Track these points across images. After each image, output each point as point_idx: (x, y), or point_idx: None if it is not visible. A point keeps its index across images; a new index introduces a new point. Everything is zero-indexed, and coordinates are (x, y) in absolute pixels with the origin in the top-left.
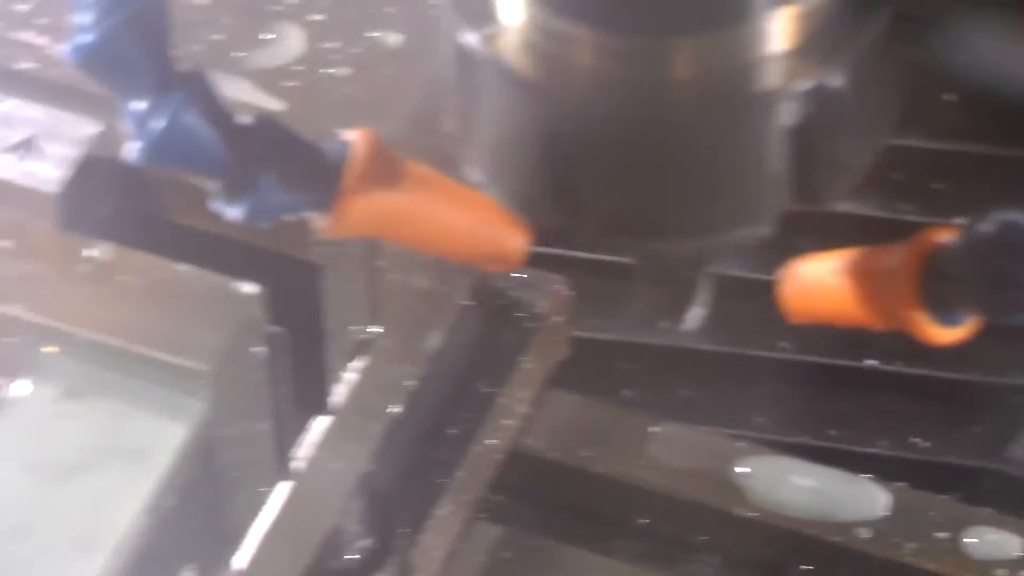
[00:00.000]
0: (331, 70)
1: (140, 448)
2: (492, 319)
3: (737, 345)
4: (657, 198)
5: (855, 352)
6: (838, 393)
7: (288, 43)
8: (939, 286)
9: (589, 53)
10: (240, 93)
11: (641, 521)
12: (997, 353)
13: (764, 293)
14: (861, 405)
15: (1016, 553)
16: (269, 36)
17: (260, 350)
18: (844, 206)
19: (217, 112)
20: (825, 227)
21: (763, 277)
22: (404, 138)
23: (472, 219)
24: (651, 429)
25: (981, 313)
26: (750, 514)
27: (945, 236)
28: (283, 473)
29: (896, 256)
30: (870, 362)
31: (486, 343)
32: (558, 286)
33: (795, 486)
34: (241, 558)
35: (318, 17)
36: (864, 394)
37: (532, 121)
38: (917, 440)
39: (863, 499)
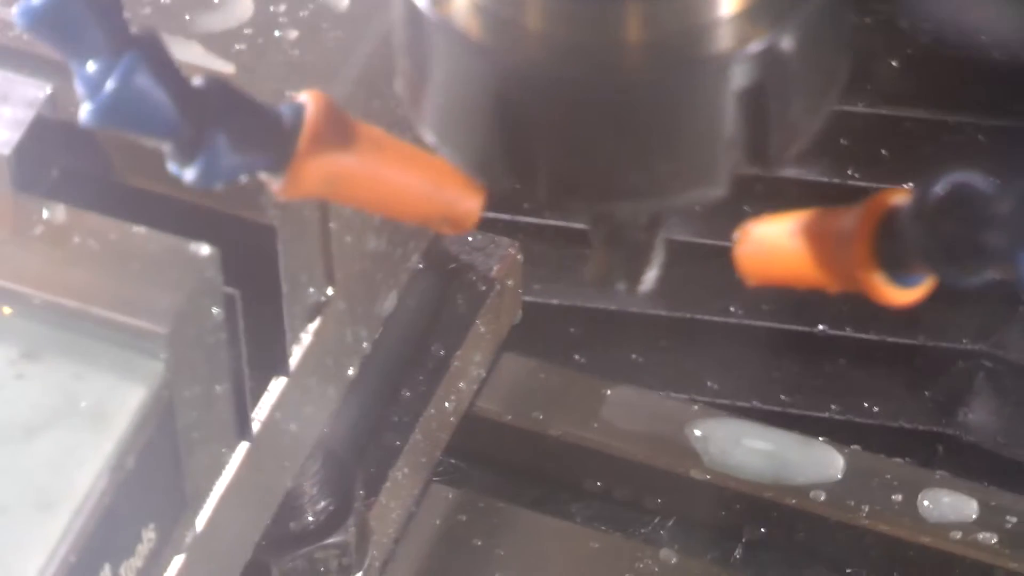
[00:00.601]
0: (279, 33)
1: (98, 409)
2: (445, 282)
3: (688, 310)
4: (610, 160)
5: (806, 317)
6: (789, 358)
7: (236, 6)
8: (893, 247)
9: (540, 15)
10: (189, 56)
11: (596, 484)
12: (947, 318)
13: (714, 258)
14: (812, 370)
15: (972, 515)
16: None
17: (216, 311)
18: (792, 171)
19: (169, 74)
20: (773, 192)
21: (712, 242)
22: (353, 101)
23: (425, 181)
24: (605, 392)
25: (934, 274)
26: (705, 477)
27: (899, 198)
28: (242, 434)
29: (850, 218)
30: (821, 327)
31: (439, 306)
32: (510, 249)
33: (749, 449)
34: (200, 519)
35: None
36: (815, 359)
37: (483, 83)
38: (869, 405)
39: (818, 462)
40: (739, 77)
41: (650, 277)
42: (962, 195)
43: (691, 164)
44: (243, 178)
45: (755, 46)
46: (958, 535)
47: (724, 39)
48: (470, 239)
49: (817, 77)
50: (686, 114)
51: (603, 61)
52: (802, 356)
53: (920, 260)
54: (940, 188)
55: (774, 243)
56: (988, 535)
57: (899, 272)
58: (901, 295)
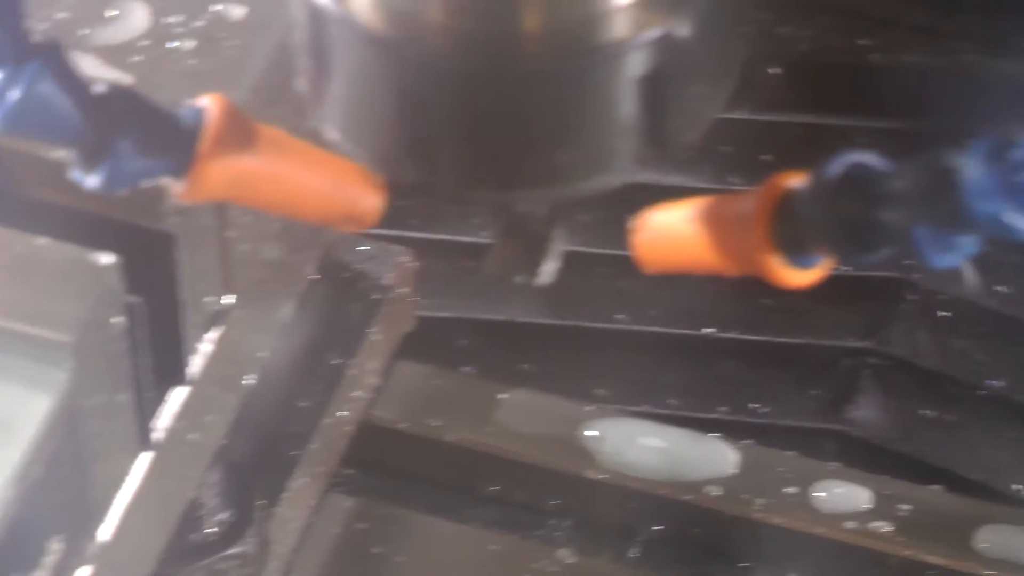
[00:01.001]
0: (175, 43)
1: (4, 419)
2: (340, 291)
3: (575, 318)
4: (510, 150)
5: (692, 321)
6: (677, 362)
7: (132, 19)
8: (790, 228)
9: (440, 7)
10: (87, 70)
11: (492, 488)
12: (832, 317)
13: (599, 266)
14: (700, 373)
15: (865, 505)
16: (113, 13)
17: (119, 320)
18: (675, 179)
19: (72, 81)
20: (656, 200)
21: (598, 251)
22: (251, 108)
23: (326, 179)
24: (499, 396)
25: (833, 254)
26: (600, 476)
27: (795, 179)
28: (144, 444)
29: (747, 201)
30: (707, 330)
31: (334, 315)
32: (403, 258)
33: (644, 447)
34: (105, 530)
35: None
36: (703, 362)
37: (385, 77)
38: (757, 405)
39: (712, 457)
40: (636, 64)
41: (549, 269)
42: (857, 174)
43: (591, 152)
44: (146, 183)
45: (651, 33)
46: (852, 525)
47: (621, 26)
48: (363, 248)
49: (713, 63)
50: (585, 102)
51: (502, 52)
52: (690, 360)
53: (818, 241)
54: (835, 168)
55: (671, 230)
56: (882, 524)
57: (797, 254)
58: (799, 277)
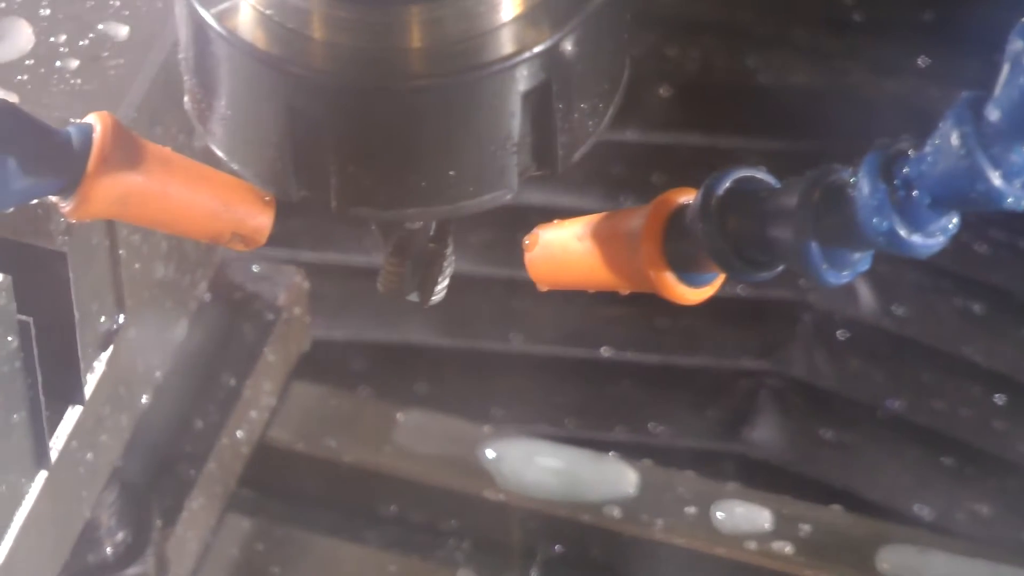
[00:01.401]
0: (60, 63)
1: None
2: (233, 311)
3: (469, 339)
4: (398, 167)
5: (588, 341)
6: (573, 382)
7: (17, 38)
8: (681, 245)
9: (324, 25)
10: None
11: (391, 508)
12: (728, 337)
13: (493, 287)
14: (596, 393)
15: (766, 525)
16: None
17: (11, 339)
18: (567, 200)
19: None
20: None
21: (490, 272)
22: (136, 127)
23: (214, 198)
24: (397, 416)
25: (723, 270)
26: (499, 497)
27: (685, 196)
28: (40, 463)
29: (638, 218)
30: (603, 351)
31: (228, 336)
32: (296, 278)
33: (542, 467)
34: (1, 551)
35: (45, 12)
36: (599, 382)
37: (271, 94)
38: (655, 426)
39: (611, 477)
40: (523, 80)
41: (440, 288)
42: (746, 190)
43: (479, 169)
44: (34, 202)
45: (537, 49)
46: (753, 545)
47: (506, 43)
48: (255, 269)
49: (600, 79)
50: (472, 119)
51: (387, 69)
52: (585, 380)
53: (709, 257)
54: (722, 183)
55: (564, 247)
56: (783, 544)
57: (689, 270)
58: (693, 293)
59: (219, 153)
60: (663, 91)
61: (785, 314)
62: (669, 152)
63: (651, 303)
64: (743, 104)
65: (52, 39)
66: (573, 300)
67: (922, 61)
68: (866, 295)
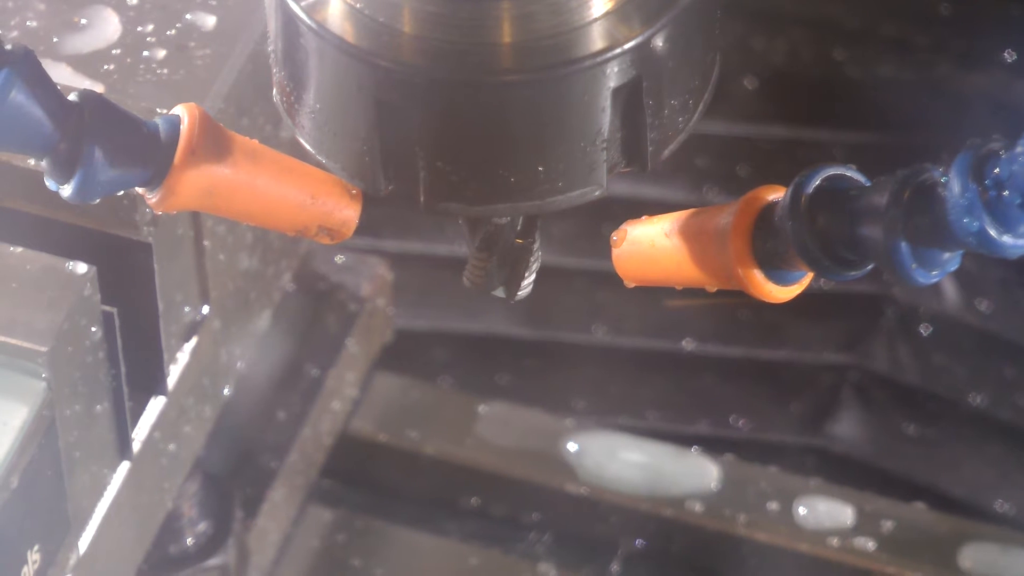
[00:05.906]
0: (147, 53)
1: None
2: (316, 303)
3: (552, 331)
4: (487, 163)
5: (671, 334)
6: (655, 375)
7: (104, 27)
8: (770, 243)
9: (415, 19)
10: (58, 79)
11: (472, 501)
12: (811, 331)
13: (576, 279)
14: (679, 386)
15: (848, 521)
16: (83, 21)
17: (95, 330)
18: (651, 191)
19: (44, 89)
20: (632, 213)
21: (574, 263)
22: (223, 118)
23: (301, 190)
24: (478, 409)
25: (811, 269)
26: (580, 491)
27: (774, 193)
28: (123, 454)
29: (727, 214)
30: (686, 344)
31: (311, 326)
32: (379, 269)
33: (624, 461)
34: (84, 541)
35: (132, 1)
36: (681, 376)
37: (360, 88)
38: (736, 419)
39: (693, 472)
40: (613, 76)
41: (528, 283)
42: (836, 189)
43: (568, 165)
44: (120, 193)
45: (628, 45)
46: (836, 541)
47: (597, 39)
48: (339, 259)
49: (690, 75)
50: (561, 115)
51: (478, 63)
52: (668, 373)
53: (798, 255)
54: (812, 181)
55: (651, 243)
56: (865, 540)
57: (778, 268)
58: (781, 291)
59: (307, 146)
60: (749, 83)
61: (868, 308)
62: (754, 144)
63: (735, 296)
64: (829, 97)
65: (139, 28)
66: (657, 292)
67: (1009, 55)
68: (950, 290)
